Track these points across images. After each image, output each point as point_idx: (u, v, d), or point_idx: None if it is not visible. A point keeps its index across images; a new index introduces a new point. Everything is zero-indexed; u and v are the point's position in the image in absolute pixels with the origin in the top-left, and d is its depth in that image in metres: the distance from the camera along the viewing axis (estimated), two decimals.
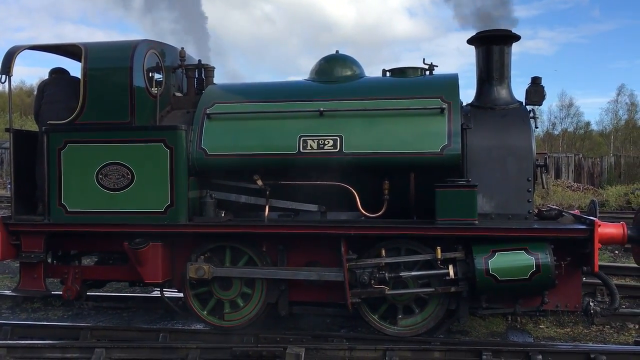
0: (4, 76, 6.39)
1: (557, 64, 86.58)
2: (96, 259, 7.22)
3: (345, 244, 5.77)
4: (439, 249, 5.62)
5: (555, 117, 53.06)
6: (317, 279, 5.93)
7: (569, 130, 52.89)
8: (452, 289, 5.71)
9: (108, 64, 6.32)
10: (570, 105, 52.67)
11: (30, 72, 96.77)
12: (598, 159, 30.16)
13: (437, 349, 5.53)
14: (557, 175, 28.31)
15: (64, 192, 6.18)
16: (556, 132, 52.89)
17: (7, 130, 6.60)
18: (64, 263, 6.84)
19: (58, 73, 6.98)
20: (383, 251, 5.78)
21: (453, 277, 5.63)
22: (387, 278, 5.74)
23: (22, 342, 5.95)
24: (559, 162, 29.32)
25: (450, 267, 5.65)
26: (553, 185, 23.65)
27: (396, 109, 5.97)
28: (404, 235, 5.81)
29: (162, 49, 6.77)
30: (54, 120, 6.36)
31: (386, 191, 5.97)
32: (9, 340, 6.14)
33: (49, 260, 6.69)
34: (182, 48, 6.83)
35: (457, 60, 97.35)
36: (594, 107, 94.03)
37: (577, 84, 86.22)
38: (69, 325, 6.64)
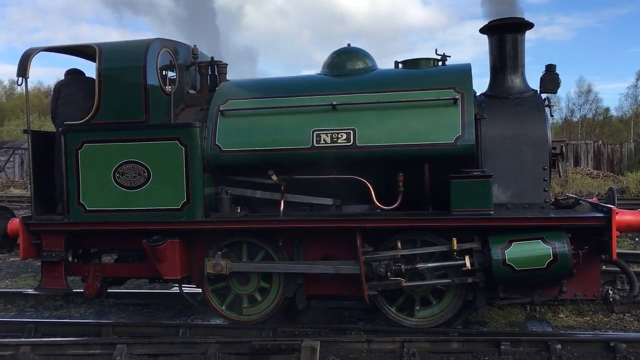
0: (20, 78, 6.48)
1: (574, 50, 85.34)
2: (116, 257, 7.31)
3: (361, 237, 5.78)
4: (454, 240, 5.61)
5: (574, 104, 52.57)
6: (334, 272, 5.96)
7: (588, 116, 52.28)
8: (469, 280, 5.69)
9: (122, 64, 6.37)
10: (589, 91, 52.14)
11: (47, 72, 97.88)
12: (618, 145, 29.75)
13: (455, 339, 5.54)
14: (577, 163, 28.02)
15: (83, 191, 6.25)
16: (575, 119, 52.33)
17: (25, 131, 6.70)
18: (85, 261, 6.94)
19: (74, 74, 7.06)
20: (399, 243, 5.77)
21: (470, 267, 5.61)
22: (403, 270, 5.74)
23: (46, 339, 6.07)
24: (577, 150, 28.99)
25: (467, 258, 5.62)
26: (572, 172, 23.41)
27: (409, 100, 5.96)
28: (419, 227, 5.81)
29: (175, 47, 6.81)
30: (71, 121, 6.43)
31: (401, 183, 5.97)
32: (33, 338, 6.27)
33: (70, 259, 6.80)
34: (195, 45, 6.86)
35: (473, 48, 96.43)
36: (613, 93, 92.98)
37: (595, 69, 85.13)
38: (90, 322, 6.77)
